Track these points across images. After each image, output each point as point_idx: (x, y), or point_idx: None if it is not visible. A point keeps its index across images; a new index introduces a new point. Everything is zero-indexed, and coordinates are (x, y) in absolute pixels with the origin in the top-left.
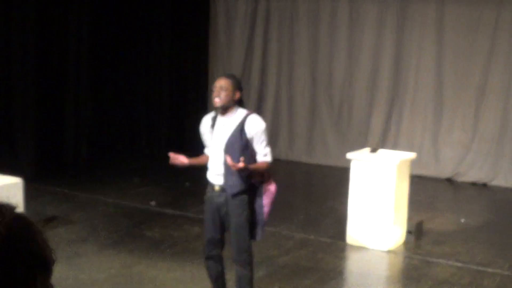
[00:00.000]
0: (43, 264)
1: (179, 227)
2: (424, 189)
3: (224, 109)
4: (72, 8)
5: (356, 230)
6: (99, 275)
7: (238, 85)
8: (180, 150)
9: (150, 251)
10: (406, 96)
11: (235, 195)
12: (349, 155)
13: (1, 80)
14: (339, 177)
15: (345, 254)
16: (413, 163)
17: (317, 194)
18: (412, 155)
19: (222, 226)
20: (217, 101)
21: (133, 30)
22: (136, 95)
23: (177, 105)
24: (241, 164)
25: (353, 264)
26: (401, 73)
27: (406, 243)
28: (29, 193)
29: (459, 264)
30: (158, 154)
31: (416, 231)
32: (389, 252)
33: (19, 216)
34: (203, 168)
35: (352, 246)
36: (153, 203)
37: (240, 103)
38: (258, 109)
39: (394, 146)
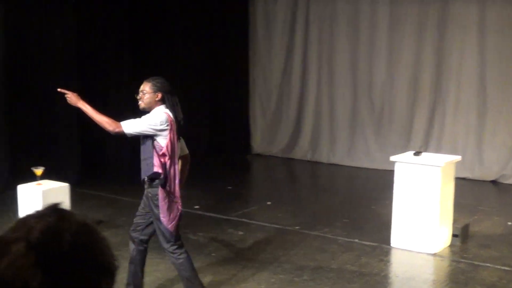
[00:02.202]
0: (107, 271)
1: (222, 231)
2: (469, 192)
3: (148, 111)
4: (111, 10)
5: (401, 234)
6: (145, 279)
7: (158, 87)
8: (221, 153)
9: (194, 255)
10: (449, 98)
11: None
12: (393, 158)
13: (45, 88)
14: (381, 180)
15: (390, 258)
16: (457, 165)
17: (360, 198)
18: (457, 157)
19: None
20: (140, 104)
21: (173, 37)
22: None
23: (218, 109)
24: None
25: (398, 268)
26: (442, 75)
27: (451, 246)
28: (74, 198)
29: (507, 268)
30: (199, 158)
31: (462, 234)
32: (434, 255)
33: (84, 224)
34: (246, 172)
35: (397, 250)
36: (196, 207)
37: (164, 101)
38: (299, 112)
39: (437, 149)
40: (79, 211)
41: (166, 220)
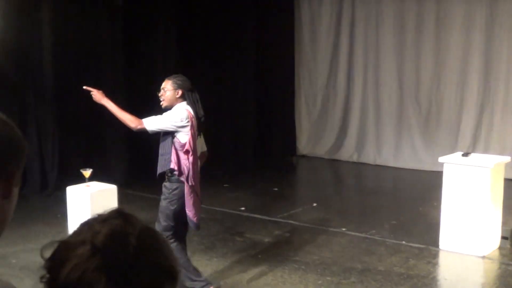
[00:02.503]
0: (169, 275)
1: (269, 232)
2: None
3: (169, 108)
4: (159, 23)
5: (450, 236)
6: None
7: (179, 84)
8: (267, 155)
9: (241, 256)
10: (497, 98)
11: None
12: (441, 159)
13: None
14: (428, 182)
15: (438, 260)
16: (506, 166)
17: (407, 199)
18: (506, 158)
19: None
20: (162, 101)
21: (218, 40)
22: (222, 104)
23: (264, 111)
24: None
25: (447, 270)
26: (491, 75)
27: (501, 248)
28: (122, 199)
29: None
30: (245, 160)
31: (511, 237)
32: (483, 258)
33: (147, 228)
34: (292, 174)
35: (445, 252)
36: (243, 208)
37: (185, 98)
38: (345, 114)
39: (485, 150)
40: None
41: (192, 214)
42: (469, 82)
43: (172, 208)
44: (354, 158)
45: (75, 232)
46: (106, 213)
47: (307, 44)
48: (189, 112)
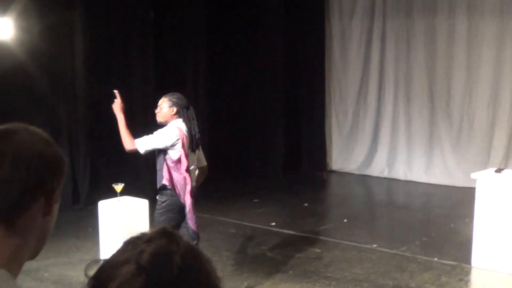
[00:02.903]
0: None
1: (299, 248)
2: None
3: (164, 124)
4: (190, 23)
5: (482, 253)
6: None
7: (174, 102)
8: (297, 170)
9: (272, 272)
10: None
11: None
12: (474, 175)
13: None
14: (460, 198)
15: (470, 277)
16: None
17: (438, 215)
18: None
19: None
20: (157, 117)
21: (248, 52)
22: (252, 118)
23: (293, 125)
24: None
25: None
26: None
27: None
28: (152, 214)
29: None
30: (275, 175)
31: None
32: None
33: (191, 247)
34: (322, 189)
35: (478, 269)
36: (273, 224)
37: (179, 115)
38: (376, 129)
39: None
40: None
41: (192, 222)
42: (501, 97)
43: (161, 219)
44: (385, 174)
45: (118, 251)
46: (150, 232)
47: (338, 58)
48: (180, 130)
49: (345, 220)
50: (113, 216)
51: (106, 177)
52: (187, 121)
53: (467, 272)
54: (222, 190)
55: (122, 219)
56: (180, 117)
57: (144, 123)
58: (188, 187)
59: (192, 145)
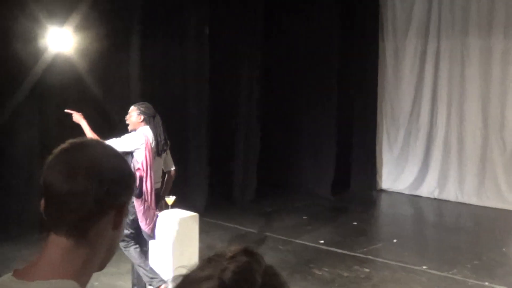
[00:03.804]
0: None
1: (348, 267)
2: None
3: (134, 130)
4: (243, 56)
5: None
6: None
7: (141, 111)
8: (346, 188)
9: None
10: None
11: None
12: None
13: (177, 122)
14: None
15: None
16: None
17: (489, 239)
18: None
19: None
20: (128, 124)
21: (302, 70)
22: (303, 135)
23: (344, 143)
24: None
25: None
26: None
27: None
28: (202, 227)
29: None
30: (324, 193)
31: None
32: None
33: (270, 266)
34: (372, 208)
35: None
36: (322, 241)
37: (146, 122)
38: (427, 149)
39: None
40: (206, 240)
41: (143, 224)
42: None
43: (131, 217)
44: (435, 195)
45: (198, 267)
46: (232, 250)
47: (391, 78)
48: (146, 136)
49: (395, 240)
50: (164, 229)
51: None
52: (153, 128)
53: None
54: (271, 206)
55: (173, 232)
56: (147, 124)
57: (197, 130)
58: (153, 189)
59: (158, 149)
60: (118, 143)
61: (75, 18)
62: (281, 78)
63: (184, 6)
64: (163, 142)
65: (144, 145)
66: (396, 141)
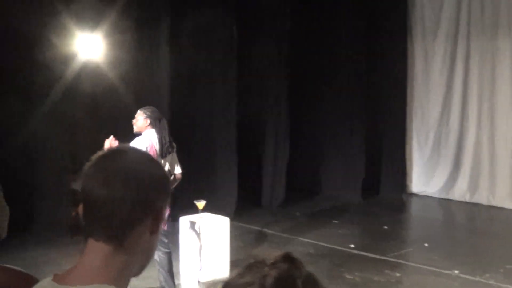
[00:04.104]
0: None
1: (379, 271)
2: None
3: (140, 133)
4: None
5: None
6: None
7: (148, 115)
8: (377, 192)
9: None
10: None
11: None
12: None
13: (206, 126)
14: None
15: None
16: None
17: None
18: None
19: None
20: (134, 128)
21: (329, 73)
22: (333, 138)
23: (374, 147)
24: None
25: None
26: None
27: None
28: (232, 231)
29: None
30: (355, 197)
31: None
32: None
33: (310, 273)
34: (402, 212)
35: None
36: (352, 246)
37: (152, 126)
38: (458, 152)
39: None
40: (236, 244)
41: None
42: None
43: None
44: (467, 198)
45: (238, 274)
46: (272, 256)
47: (420, 80)
48: (150, 139)
49: (426, 245)
50: (193, 233)
51: (186, 193)
52: (158, 131)
53: None
54: (301, 210)
55: (203, 236)
56: (153, 127)
57: (226, 135)
58: None
59: (162, 151)
60: None
61: (104, 26)
62: (308, 81)
63: (212, 10)
64: (167, 144)
65: (149, 148)
66: (426, 144)
